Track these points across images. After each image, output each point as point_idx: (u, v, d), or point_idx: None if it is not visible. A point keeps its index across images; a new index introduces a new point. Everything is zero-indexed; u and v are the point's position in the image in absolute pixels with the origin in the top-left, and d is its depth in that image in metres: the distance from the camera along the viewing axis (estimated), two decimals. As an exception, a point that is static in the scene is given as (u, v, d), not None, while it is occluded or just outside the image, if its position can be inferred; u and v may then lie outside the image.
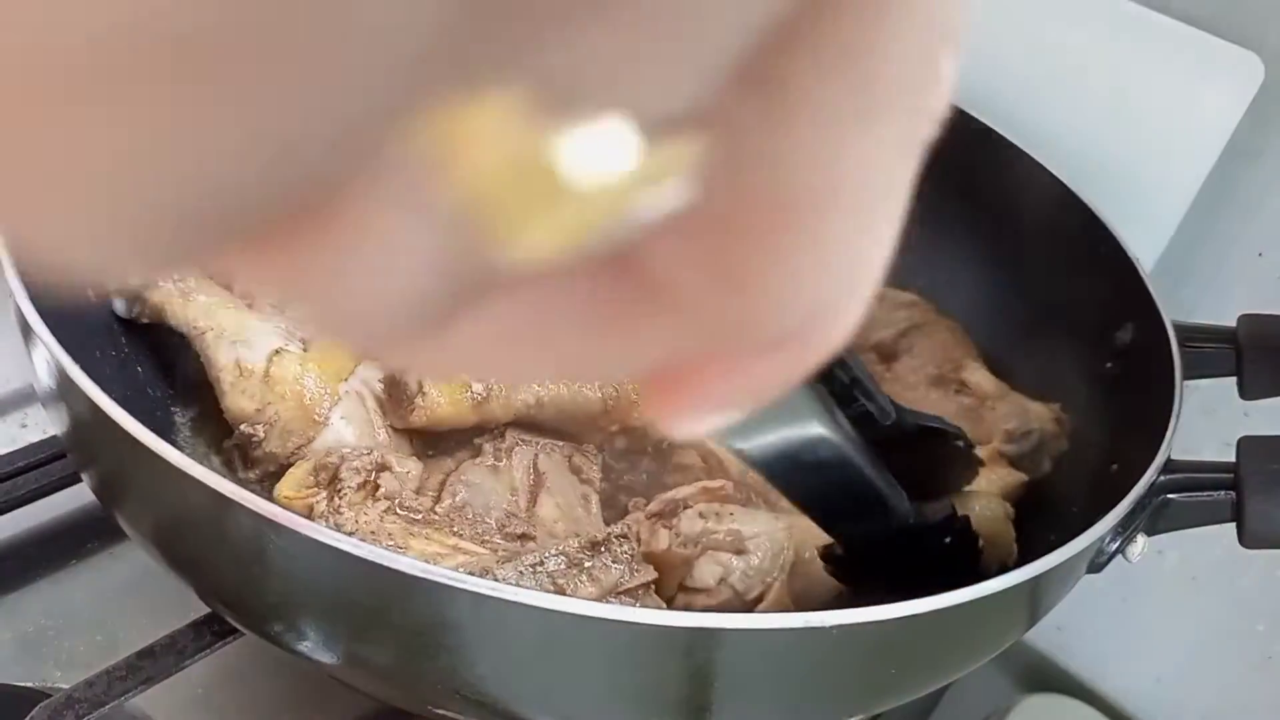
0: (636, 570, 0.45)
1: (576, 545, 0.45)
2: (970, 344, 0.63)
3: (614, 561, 0.45)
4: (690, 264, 0.12)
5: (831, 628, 0.35)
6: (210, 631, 0.46)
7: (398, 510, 0.48)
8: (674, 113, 0.10)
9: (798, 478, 0.32)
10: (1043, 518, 0.53)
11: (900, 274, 0.66)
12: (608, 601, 0.43)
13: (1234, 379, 0.53)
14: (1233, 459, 0.46)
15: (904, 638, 0.38)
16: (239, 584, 0.41)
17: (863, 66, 0.11)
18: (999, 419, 0.57)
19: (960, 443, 0.49)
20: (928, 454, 0.50)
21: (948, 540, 0.44)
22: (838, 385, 0.40)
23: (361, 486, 0.49)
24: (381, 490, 0.49)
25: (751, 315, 0.12)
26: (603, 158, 0.10)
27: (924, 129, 0.12)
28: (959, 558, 0.45)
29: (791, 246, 0.12)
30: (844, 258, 0.12)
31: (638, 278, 0.12)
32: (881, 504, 0.38)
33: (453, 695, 0.39)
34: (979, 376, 0.59)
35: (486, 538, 0.49)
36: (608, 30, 0.09)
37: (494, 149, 0.10)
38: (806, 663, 0.38)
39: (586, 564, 0.45)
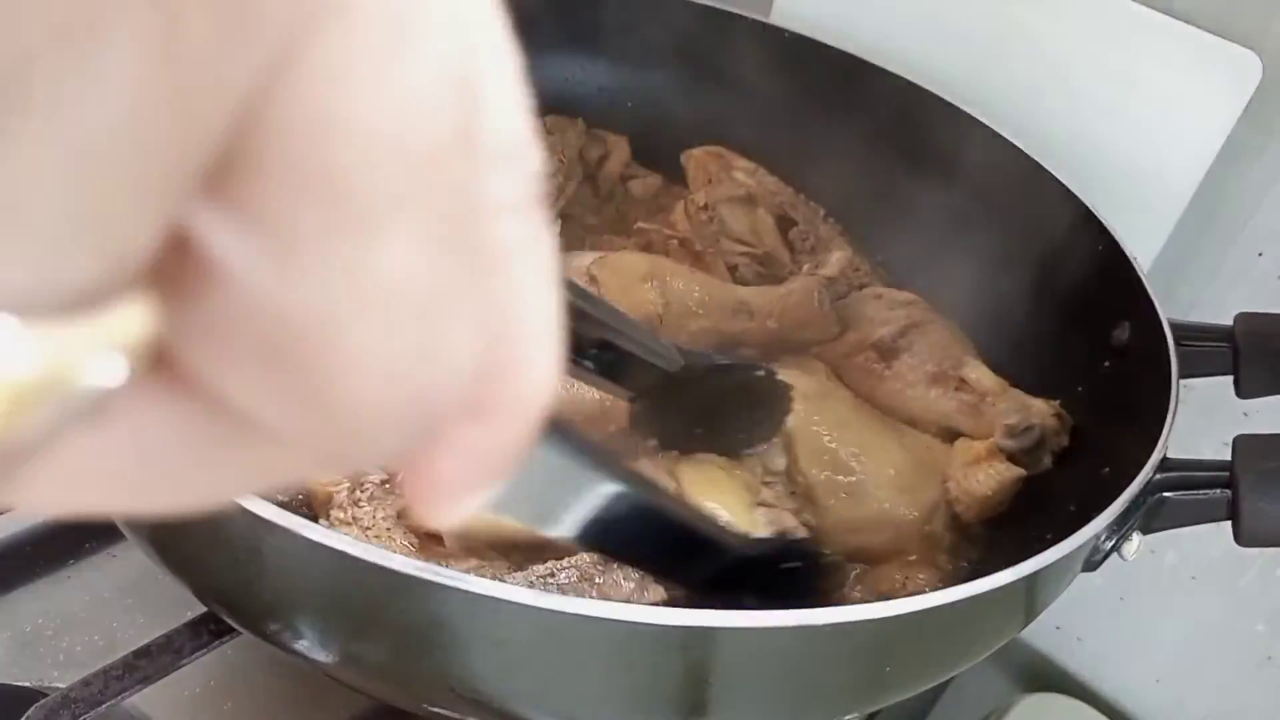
0: (647, 589, 0.46)
1: (590, 560, 0.45)
2: (969, 341, 0.63)
3: (625, 578, 0.45)
4: (267, 397, 0.12)
5: (825, 626, 0.35)
6: (207, 631, 0.46)
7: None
8: (82, 287, 0.10)
9: (617, 539, 0.32)
10: (1039, 515, 0.53)
11: (899, 273, 0.66)
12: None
13: (1231, 378, 0.53)
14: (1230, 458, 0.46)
15: (898, 635, 0.38)
16: (235, 584, 0.41)
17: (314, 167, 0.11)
18: (999, 414, 0.57)
19: (760, 372, 0.51)
20: (734, 394, 0.52)
21: (790, 565, 0.43)
22: (589, 350, 0.40)
23: (384, 483, 0.49)
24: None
25: (352, 430, 0.12)
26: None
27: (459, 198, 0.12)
28: (805, 577, 0.45)
29: (345, 356, 0.11)
30: (425, 338, 0.12)
31: (226, 415, 0.12)
32: (707, 542, 0.37)
33: (449, 694, 0.39)
34: (979, 373, 0.59)
35: (503, 545, 0.48)
36: None
37: None
38: (801, 660, 0.38)
39: (597, 579, 0.45)
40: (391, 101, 0.11)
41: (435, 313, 0.12)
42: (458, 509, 0.15)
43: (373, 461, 0.13)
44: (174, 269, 0.11)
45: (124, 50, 0.09)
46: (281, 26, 0.10)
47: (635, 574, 0.46)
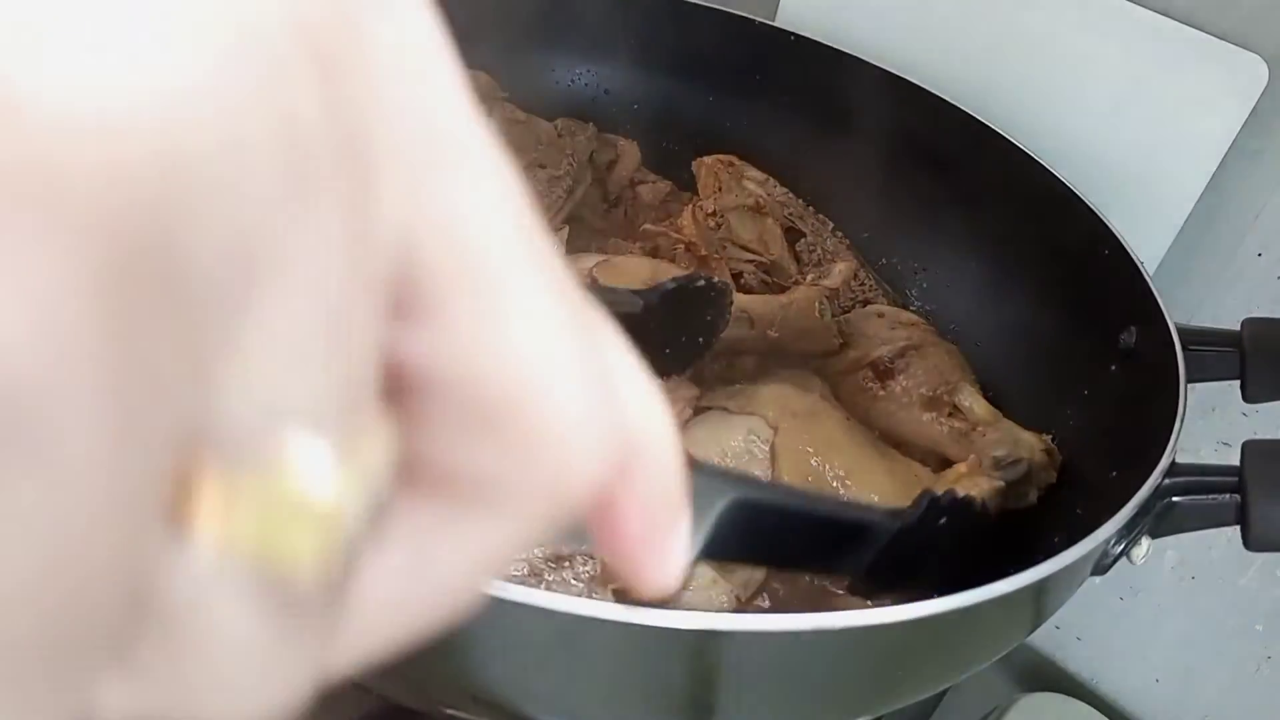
0: (594, 594, 0.45)
1: (541, 555, 0.45)
2: (968, 368, 0.63)
3: (574, 579, 0.45)
4: (487, 454, 0.13)
5: (838, 630, 0.35)
6: (218, 630, 0.45)
7: None
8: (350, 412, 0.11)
9: (753, 546, 0.32)
10: (1047, 519, 0.53)
11: (902, 276, 0.66)
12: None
13: (1236, 381, 0.54)
14: (1231, 459, 0.46)
15: (910, 640, 0.38)
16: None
17: None
18: (988, 445, 0.56)
19: (701, 282, 0.54)
20: (684, 311, 0.54)
21: (943, 522, 0.41)
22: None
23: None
24: None
25: (558, 467, 0.13)
26: (321, 474, 0.10)
27: None
28: (968, 532, 0.43)
29: (545, 405, 0.13)
30: (593, 394, 0.14)
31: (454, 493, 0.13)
32: (851, 526, 0.37)
33: (463, 695, 0.39)
34: (972, 401, 0.59)
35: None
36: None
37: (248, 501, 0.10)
38: (813, 664, 0.38)
39: (547, 576, 0.44)
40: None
41: (590, 372, 0.14)
42: (666, 561, 0.16)
43: (570, 513, 0.14)
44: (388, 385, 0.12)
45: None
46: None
47: (585, 576, 0.45)
